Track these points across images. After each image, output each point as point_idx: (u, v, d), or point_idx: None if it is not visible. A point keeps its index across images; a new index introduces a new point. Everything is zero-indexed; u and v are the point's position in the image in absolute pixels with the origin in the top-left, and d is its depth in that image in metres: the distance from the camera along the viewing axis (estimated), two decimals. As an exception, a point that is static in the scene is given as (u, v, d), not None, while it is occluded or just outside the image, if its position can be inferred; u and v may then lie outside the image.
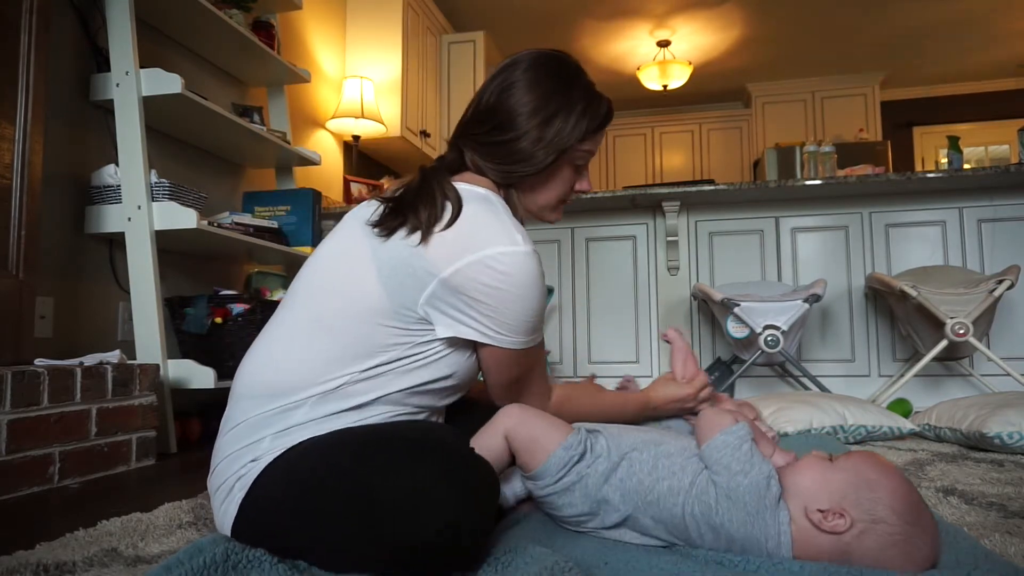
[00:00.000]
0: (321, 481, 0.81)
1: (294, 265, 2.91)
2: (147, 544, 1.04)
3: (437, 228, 0.93)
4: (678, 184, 3.32)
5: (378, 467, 0.78)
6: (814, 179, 3.08)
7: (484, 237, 0.94)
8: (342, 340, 0.92)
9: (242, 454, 0.89)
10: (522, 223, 1.08)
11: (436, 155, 4.53)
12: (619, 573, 0.78)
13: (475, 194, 1.00)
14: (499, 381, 1.04)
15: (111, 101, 2.14)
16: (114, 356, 1.85)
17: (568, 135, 1.03)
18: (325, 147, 3.84)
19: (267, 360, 0.95)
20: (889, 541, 0.77)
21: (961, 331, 2.58)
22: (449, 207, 0.96)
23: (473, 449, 0.87)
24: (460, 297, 0.93)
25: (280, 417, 0.90)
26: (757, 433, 0.91)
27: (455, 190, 0.99)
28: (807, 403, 2.07)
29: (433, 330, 0.95)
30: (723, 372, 3.16)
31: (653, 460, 0.90)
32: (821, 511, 0.80)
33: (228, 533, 0.89)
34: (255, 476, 0.86)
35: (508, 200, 1.07)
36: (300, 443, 0.88)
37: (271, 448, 0.88)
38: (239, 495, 0.87)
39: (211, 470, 0.94)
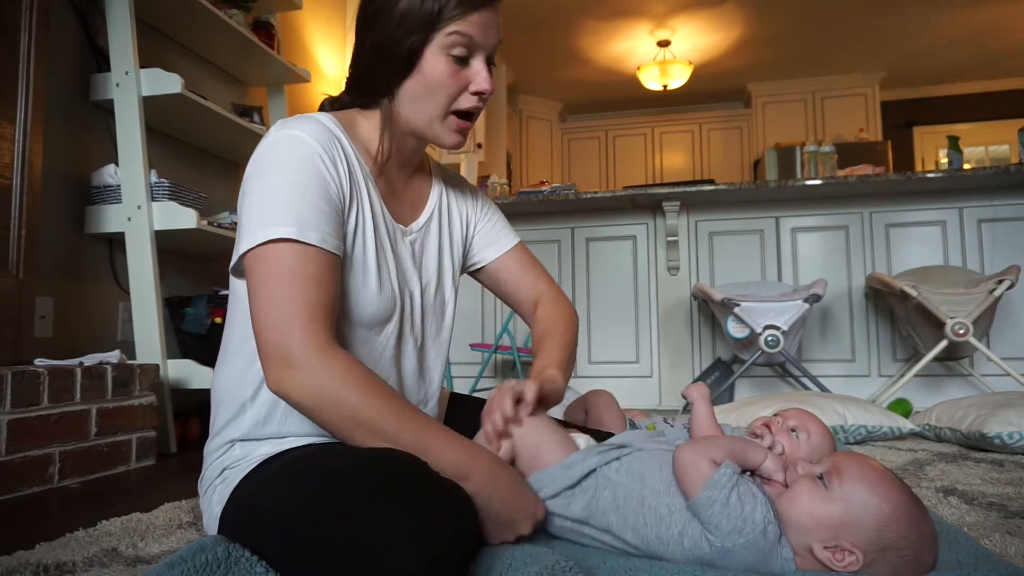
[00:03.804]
0: (285, 523, 0.76)
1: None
2: (147, 544, 1.04)
3: None
4: (678, 184, 3.32)
5: (340, 511, 0.70)
6: (814, 179, 3.08)
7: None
8: (240, 331, 0.91)
9: (219, 463, 0.90)
10: (409, 146, 0.99)
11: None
12: (619, 573, 0.78)
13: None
14: (253, 315, 0.82)
15: (111, 101, 2.14)
16: (114, 356, 1.85)
17: (417, 11, 0.87)
18: (325, 147, 3.84)
19: (215, 369, 0.96)
20: (900, 563, 0.75)
21: (961, 331, 2.58)
22: None
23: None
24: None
25: (240, 418, 0.89)
26: (741, 446, 0.84)
27: None
28: (807, 403, 2.07)
29: None
30: (723, 372, 3.16)
31: (639, 499, 0.83)
32: (828, 548, 0.76)
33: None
34: (229, 492, 0.86)
35: (389, 119, 0.95)
36: (268, 461, 0.86)
37: (242, 457, 0.88)
38: (217, 509, 0.87)
39: (201, 473, 0.95)
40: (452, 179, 1.14)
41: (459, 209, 1.12)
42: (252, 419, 0.89)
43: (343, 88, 1.01)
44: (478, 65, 0.92)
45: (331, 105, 1.01)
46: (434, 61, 0.90)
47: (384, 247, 0.95)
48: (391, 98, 0.93)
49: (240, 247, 0.83)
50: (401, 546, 0.65)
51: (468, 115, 0.94)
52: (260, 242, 0.81)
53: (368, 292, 0.92)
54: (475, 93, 0.92)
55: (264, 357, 0.80)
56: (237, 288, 0.92)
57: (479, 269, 1.16)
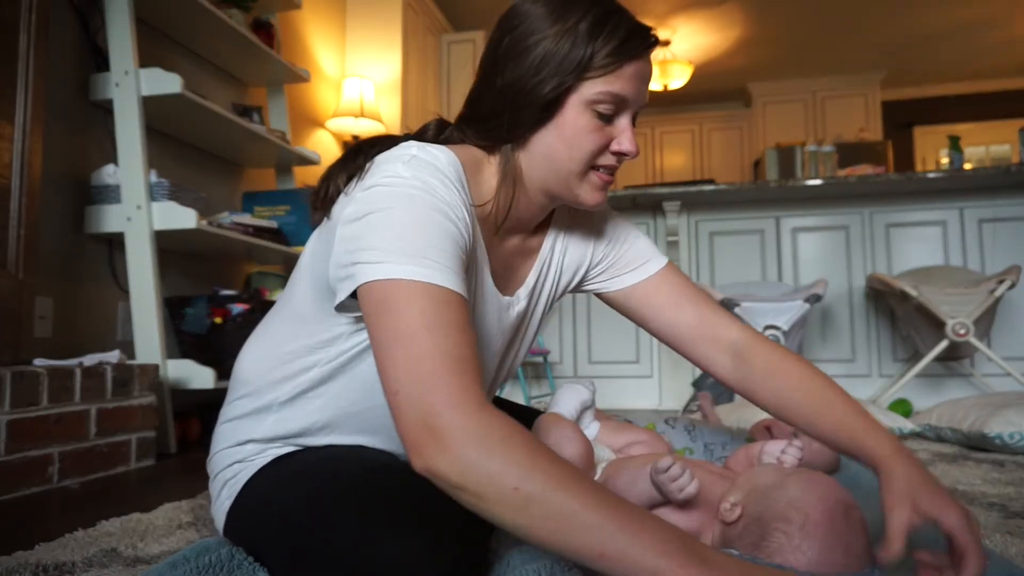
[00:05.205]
0: (294, 538, 0.74)
1: (293, 265, 2.91)
2: (147, 544, 1.04)
3: (349, 187, 0.79)
4: (678, 184, 3.32)
5: (355, 532, 0.68)
6: (815, 179, 3.08)
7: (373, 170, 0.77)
8: (291, 333, 0.88)
9: (229, 453, 0.89)
10: (533, 208, 0.87)
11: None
12: (619, 574, 0.77)
13: (405, 145, 0.79)
14: (383, 365, 0.67)
15: (111, 101, 2.14)
16: (114, 356, 1.85)
17: (564, 56, 0.77)
18: (325, 147, 3.84)
19: (245, 351, 0.93)
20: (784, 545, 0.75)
21: (962, 331, 2.57)
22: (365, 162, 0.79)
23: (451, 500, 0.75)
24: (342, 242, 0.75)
25: (261, 417, 0.87)
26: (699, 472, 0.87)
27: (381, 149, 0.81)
28: (807, 403, 2.06)
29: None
30: (723, 372, 3.16)
31: None
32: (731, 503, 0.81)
33: (220, 529, 0.89)
34: (240, 486, 0.85)
35: (512, 171, 0.84)
36: (280, 460, 0.85)
37: (254, 453, 0.87)
38: (227, 503, 0.86)
39: (210, 454, 0.94)
40: (578, 219, 1.01)
41: (573, 254, 1.00)
42: (275, 426, 0.86)
43: (457, 119, 0.89)
44: (624, 123, 0.82)
45: (438, 129, 0.90)
46: (575, 114, 0.79)
47: (483, 326, 0.86)
48: (516, 147, 0.83)
49: (362, 277, 0.70)
50: (420, 573, 0.64)
51: (611, 170, 0.84)
52: (389, 277, 0.68)
53: None
54: (616, 153, 0.82)
55: (402, 424, 0.64)
56: (303, 290, 0.86)
57: (617, 297, 1.03)
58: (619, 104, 0.80)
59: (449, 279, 0.69)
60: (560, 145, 0.81)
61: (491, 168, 0.85)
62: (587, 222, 1.02)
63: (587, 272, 1.03)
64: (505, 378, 1.02)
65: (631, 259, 1.01)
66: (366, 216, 0.72)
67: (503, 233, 0.89)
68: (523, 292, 0.93)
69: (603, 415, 1.20)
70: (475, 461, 0.61)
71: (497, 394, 1.21)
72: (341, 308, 0.76)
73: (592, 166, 0.82)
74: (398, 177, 0.74)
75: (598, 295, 1.05)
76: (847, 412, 0.86)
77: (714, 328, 0.96)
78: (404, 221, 0.71)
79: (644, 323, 1.02)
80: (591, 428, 1.13)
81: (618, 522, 0.59)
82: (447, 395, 0.63)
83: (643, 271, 1.01)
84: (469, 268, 0.79)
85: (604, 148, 0.82)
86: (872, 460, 0.81)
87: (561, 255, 0.99)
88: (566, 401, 1.07)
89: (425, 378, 0.64)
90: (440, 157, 0.77)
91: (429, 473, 0.63)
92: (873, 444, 0.81)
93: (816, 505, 0.75)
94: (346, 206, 0.76)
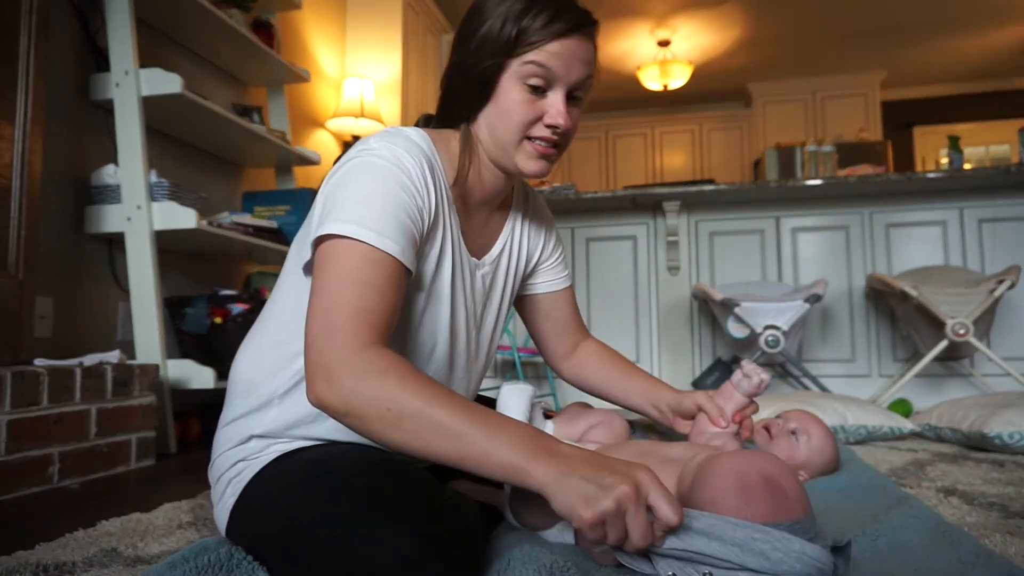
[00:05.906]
0: (293, 536, 0.75)
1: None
2: (147, 544, 1.04)
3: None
4: (678, 184, 3.32)
5: (354, 531, 0.68)
6: (815, 179, 3.08)
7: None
8: (279, 324, 0.90)
9: (232, 454, 0.89)
10: (496, 171, 0.96)
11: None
12: (616, 573, 0.78)
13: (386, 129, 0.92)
14: (309, 321, 0.76)
15: (111, 101, 2.14)
16: (114, 356, 1.85)
17: (496, 37, 0.86)
18: (325, 147, 3.84)
19: (238, 357, 0.94)
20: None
21: (961, 331, 2.58)
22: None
23: (453, 494, 0.76)
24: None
25: (262, 413, 0.88)
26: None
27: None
28: (807, 403, 2.07)
29: None
30: (723, 372, 3.16)
31: None
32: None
33: (223, 531, 0.89)
34: (244, 484, 0.85)
35: (469, 143, 0.94)
36: (283, 458, 0.85)
37: (257, 451, 0.87)
38: (231, 500, 0.86)
39: (211, 461, 0.94)
40: (533, 210, 1.12)
41: (529, 242, 1.11)
42: (277, 419, 0.87)
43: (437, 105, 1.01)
44: (554, 98, 0.88)
45: (425, 123, 1.00)
46: (508, 87, 0.87)
47: (462, 282, 0.94)
48: (470, 122, 0.93)
49: (317, 232, 0.80)
50: (416, 572, 0.65)
51: (548, 142, 0.90)
52: (336, 233, 0.77)
53: (439, 328, 0.92)
54: (549, 126, 0.89)
55: (308, 363, 0.74)
56: (291, 280, 0.90)
57: (529, 296, 1.18)
58: (547, 77, 0.87)
59: (387, 244, 0.78)
60: (497, 118, 0.89)
61: (454, 143, 0.95)
62: (543, 219, 1.14)
63: (536, 265, 1.15)
64: (489, 353, 1.07)
65: (561, 269, 1.18)
66: (334, 183, 0.83)
67: (473, 206, 0.98)
68: (488, 259, 1.02)
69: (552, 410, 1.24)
70: (353, 388, 0.70)
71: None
72: (309, 270, 0.83)
73: (527, 136, 0.90)
74: (368, 149, 0.84)
75: (525, 297, 1.17)
76: (648, 385, 1.17)
77: (578, 337, 1.22)
78: (363, 189, 0.81)
79: (534, 323, 1.20)
80: (547, 427, 1.13)
81: (478, 427, 0.68)
82: (341, 338, 0.72)
83: (564, 281, 1.19)
84: (435, 230, 0.89)
85: (535, 120, 0.89)
86: (673, 402, 1.14)
87: (523, 237, 1.09)
88: (516, 403, 1.06)
89: (329, 323, 0.73)
90: (411, 132, 0.89)
91: (319, 404, 0.73)
92: (669, 395, 1.15)
93: (715, 482, 0.76)
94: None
